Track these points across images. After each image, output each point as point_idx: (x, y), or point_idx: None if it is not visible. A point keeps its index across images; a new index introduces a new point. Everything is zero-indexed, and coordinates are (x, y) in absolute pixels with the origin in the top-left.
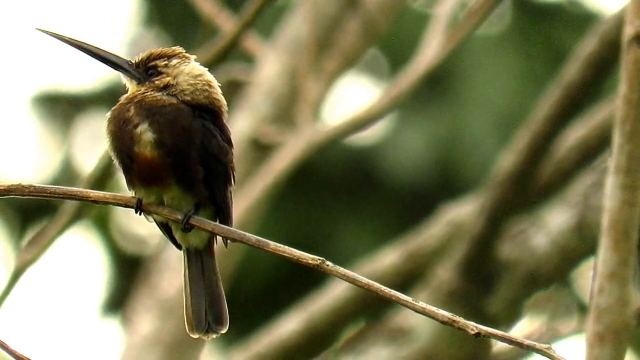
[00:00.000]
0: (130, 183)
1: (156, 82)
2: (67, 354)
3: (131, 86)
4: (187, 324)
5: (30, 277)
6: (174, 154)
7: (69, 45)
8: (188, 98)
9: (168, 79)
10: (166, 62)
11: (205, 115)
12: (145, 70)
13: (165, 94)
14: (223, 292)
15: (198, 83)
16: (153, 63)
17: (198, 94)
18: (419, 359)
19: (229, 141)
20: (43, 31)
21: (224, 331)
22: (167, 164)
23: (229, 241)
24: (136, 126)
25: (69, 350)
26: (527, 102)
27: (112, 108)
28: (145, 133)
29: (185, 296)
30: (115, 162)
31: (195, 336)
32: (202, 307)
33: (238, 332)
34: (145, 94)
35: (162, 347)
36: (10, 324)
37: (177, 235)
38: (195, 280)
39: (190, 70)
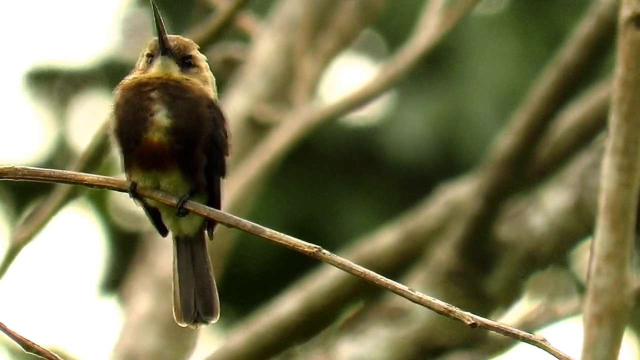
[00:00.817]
0: (128, 166)
1: (200, 75)
2: (65, 333)
3: (169, 70)
4: (175, 313)
5: (27, 256)
6: (184, 141)
7: (155, 17)
8: (211, 91)
9: (207, 74)
10: (200, 56)
11: (213, 105)
12: (182, 58)
13: (197, 86)
14: (214, 282)
15: (213, 76)
16: (191, 53)
17: (214, 87)
18: (418, 339)
19: (227, 132)
20: None
21: (214, 321)
22: (175, 150)
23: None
24: (153, 113)
25: (66, 330)
26: (527, 82)
27: (123, 89)
28: (162, 119)
29: (174, 285)
30: (115, 144)
31: (183, 325)
32: (190, 297)
33: (237, 311)
34: (182, 82)
35: (159, 326)
36: (7, 303)
37: (168, 222)
38: (184, 269)
39: (205, 61)
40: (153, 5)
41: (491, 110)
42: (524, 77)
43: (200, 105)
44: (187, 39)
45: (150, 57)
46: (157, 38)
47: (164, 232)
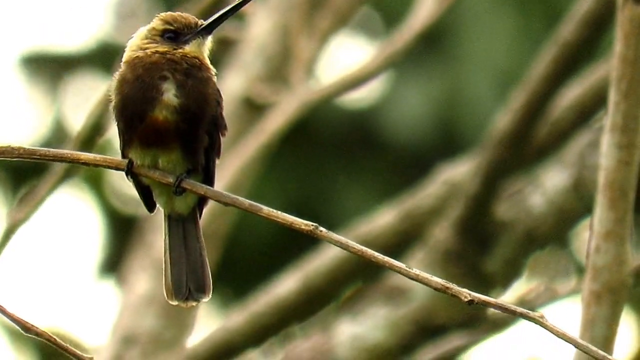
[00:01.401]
0: (128, 142)
1: (203, 44)
2: (64, 315)
3: (203, 49)
4: (166, 291)
5: (25, 239)
6: (190, 120)
7: None
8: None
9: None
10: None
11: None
12: (197, 32)
13: (207, 66)
14: (206, 260)
15: None
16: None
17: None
18: (417, 318)
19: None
20: None
21: (206, 299)
22: (179, 129)
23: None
24: (163, 92)
25: (65, 312)
26: (526, 61)
27: (133, 64)
28: (171, 98)
29: (165, 263)
30: (116, 120)
31: (174, 303)
32: (182, 275)
33: (235, 292)
34: (201, 61)
35: (158, 306)
36: (6, 286)
37: (161, 200)
38: (176, 248)
39: None
40: None
41: (490, 90)
42: (523, 56)
43: (209, 85)
44: (189, 15)
45: (172, 33)
46: (214, 18)
47: (151, 208)
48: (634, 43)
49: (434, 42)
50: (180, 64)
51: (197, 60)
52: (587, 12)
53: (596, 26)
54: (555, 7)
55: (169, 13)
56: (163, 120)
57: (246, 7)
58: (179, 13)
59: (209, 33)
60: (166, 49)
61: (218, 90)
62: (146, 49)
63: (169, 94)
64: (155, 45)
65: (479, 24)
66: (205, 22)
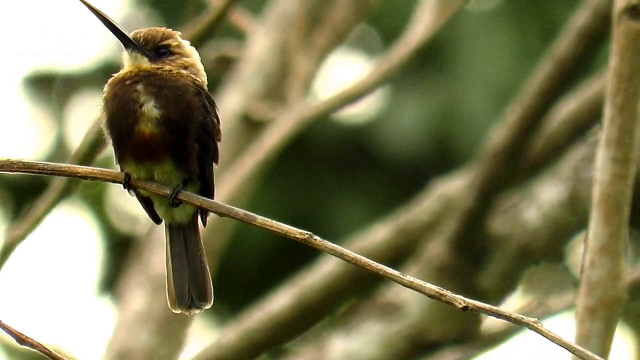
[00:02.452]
0: (122, 158)
1: (177, 61)
2: (61, 331)
3: (138, 62)
4: (169, 300)
5: (25, 256)
6: (176, 130)
7: (94, 15)
8: (197, 79)
9: (188, 59)
10: (178, 42)
11: (202, 92)
12: (155, 49)
13: (180, 74)
14: (207, 268)
15: (201, 64)
16: (165, 42)
17: (202, 74)
18: (411, 334)
19: (217, 118)
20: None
21: (207, 307)
22: (167, 140)
23: (213, 216)
24: (142, 105)
25: (63, 328)
26: (522, 77)
27: (110, 84)
28: (151, 110)
29: (167, 272)
30: (108, 138)
31: (177, 312)
32: (184, 283)
33: (230, 307)
34: (159, 72)
35: (153, 322)
36: (4, 302)
37: (161, 211)
38: (177, 257)
39: (195, 51)
40: (88, 6)
41: (486, 106)
42: (519, 72)
43: (187, 92)
44: (161, 29)
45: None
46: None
47: (158, 220)
48: (629, 58)
49: (430, 58)
50: (146, 78)
51: (159, 73)
52: (582, 27)
53: (591, 41)
54: (552, 22)
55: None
56: (150, 133)
57: (245, 25)
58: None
59: (126, 47)
60: (126, 69)
61: (207, 96)
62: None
63: (148, 105)
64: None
65: (475, 40)
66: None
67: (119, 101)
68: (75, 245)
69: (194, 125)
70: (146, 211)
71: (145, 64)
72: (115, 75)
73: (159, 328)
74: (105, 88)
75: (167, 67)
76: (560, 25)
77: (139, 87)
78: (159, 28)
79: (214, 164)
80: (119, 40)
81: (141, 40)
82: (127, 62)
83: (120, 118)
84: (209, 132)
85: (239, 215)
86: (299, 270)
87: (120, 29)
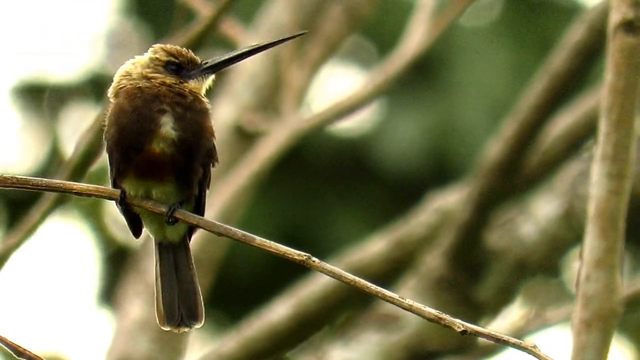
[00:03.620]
0: (123, 173)
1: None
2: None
3: (202, 85)
4: (158, 317)
5: (23, 267)
6: (187, 153)
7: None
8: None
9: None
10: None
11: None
12: (203, 70)
13: (204, 96)
14: (198, 287)
15: None
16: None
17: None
18: (409, 345)
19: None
20: None
21: (198, 326)
22: (175, 162)
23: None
24: (161, 125)
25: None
26: (518, 92)
27: (132, 93)
28: (169, 131)
29: (156, 290)
30: (111, 151)
31: (167, 329)
32: (174, 301)
33: (229, 318)
34: (197, 95)
35: (151, 331)
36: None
37: (151, 228)
38: (167, 275)
39: None
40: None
41: (482, 120)
42: (515, 86)
43: (207, 117)
44: (182, 48)
45: (174, 65)
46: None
47: (137, 233)
48: (625, 73)
49: (426, 72)
50: (184, 98)
51: (198, 95)
52: (577, 42)
53: (587, 56)
54: (548, 37)
55: (172, 46)
56: (160, 152)
57: (236, 36)
58: (181, 47)
59: (213, 73)
60: (173, 81)
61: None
62: (151, 78)
63: (167, 127)
64: (162, 76)
65: (471, 54)
66: (211, 62)
67: (137, 116)
68: (73, 255)
69: (203, 151)
70: (128, 224)
71: (205, 88)
72: (142, 85)
73: (157, 336)
74: (121, 96)
75: (202, 88)
76: (555, 40)
77: (166, 107)
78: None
79: (206, 189)
80: (221, 63)
81: (189, 59)
82: (198, 83)
83: (133, 133)
84: (211, 158)
85: (237, 236)
86: (299, 280)
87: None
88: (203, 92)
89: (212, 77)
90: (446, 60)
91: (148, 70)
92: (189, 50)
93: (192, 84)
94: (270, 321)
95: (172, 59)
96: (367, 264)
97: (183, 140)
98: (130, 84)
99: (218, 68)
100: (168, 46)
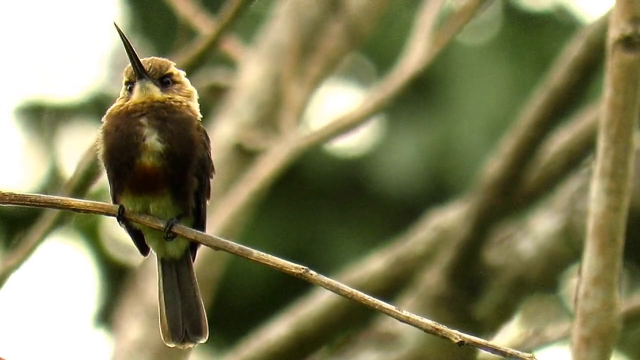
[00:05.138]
0: (119, 190)
1: (183, 91)
2: None
3: (150, 93)
4: (162, 334)
5: (21, 288)
6: (177, 165)
7: (124, 45)
8: (197, 110)
9: (189, 89)
10: (177, 72)
11: (201, 126)
12: (160, 78)
13: (187, 106)
14: (201, 302)
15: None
16: (169, 71)
17: (199, 106)
18: None
19: (210, 155)
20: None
21: (202, 341)
22: (168, 174)
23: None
24: (144, 138)
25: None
26: (518, 110)
27: (111, 116)
28: (154, 143)
29: (160, 307)
30: (106, 170)
31: (171, 345)
32: (178, 317)
33: (226, 338)
34: (169, 103)
35: (150, 352)
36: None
37: (153, 244)
38: (170, 291)
39: (188, 81)
40: (120, 33)
41: (481, 139)
42: (515, 104)
43: (191, 126)
44: (161, 59)
45: (130, 84)
46: (131, 65)
47: (145, 251)
48: (623, 89)
49: (425, 90)
50: (156, 110)
51: (172, 104)
52: (576, 57)
53: (585, 72)
54: (547, 54)
55: (128, 65)
56: (151, 166)
57: (236, 54)
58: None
59: (140, 77)
60: (135, 100)
61: (204, 132)
62: (123, 98)
63: (152, 138)
64: (123, 98)
65: (470, 72)
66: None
67: (121, 134)
68: (71, 275)
69: (195, 160)
70: (134, 243)
71: (157, 94)
72: (115, 105)
73: (156, 357)
74: (105, 120)
75: (177, 98)
76: (554, 57)
77: (143, 120)
78: (158, 57)
79: (206, 200)
80: (134, 70)
81: (150, 70)
82: (138, 92)
83: (121, 150)
84: (205, 168)
85: (234, 249)
86: (297, 299)
87: (139, 58)
88: (140, 98)
89: (144, 80)
90: (445, 77)
91: (120, 94)
92: (136, 63)
93: (133, 97)
94: (268, 341)
95: (126, 78)
96: (367, 282)
97: (170, 152)
98: (113, 107)
99: (137, 70)
100: (127, 67)
